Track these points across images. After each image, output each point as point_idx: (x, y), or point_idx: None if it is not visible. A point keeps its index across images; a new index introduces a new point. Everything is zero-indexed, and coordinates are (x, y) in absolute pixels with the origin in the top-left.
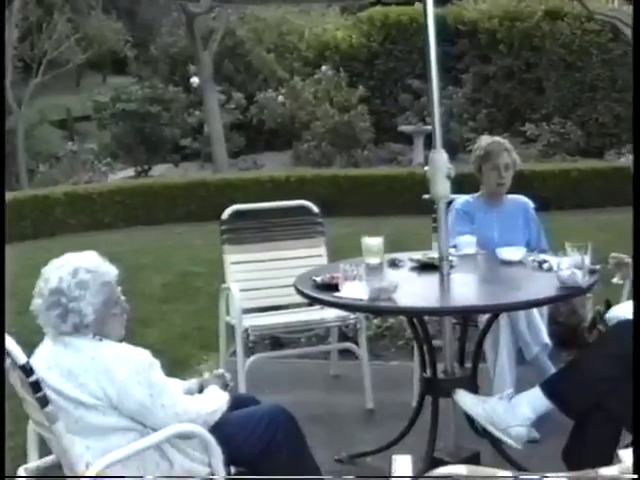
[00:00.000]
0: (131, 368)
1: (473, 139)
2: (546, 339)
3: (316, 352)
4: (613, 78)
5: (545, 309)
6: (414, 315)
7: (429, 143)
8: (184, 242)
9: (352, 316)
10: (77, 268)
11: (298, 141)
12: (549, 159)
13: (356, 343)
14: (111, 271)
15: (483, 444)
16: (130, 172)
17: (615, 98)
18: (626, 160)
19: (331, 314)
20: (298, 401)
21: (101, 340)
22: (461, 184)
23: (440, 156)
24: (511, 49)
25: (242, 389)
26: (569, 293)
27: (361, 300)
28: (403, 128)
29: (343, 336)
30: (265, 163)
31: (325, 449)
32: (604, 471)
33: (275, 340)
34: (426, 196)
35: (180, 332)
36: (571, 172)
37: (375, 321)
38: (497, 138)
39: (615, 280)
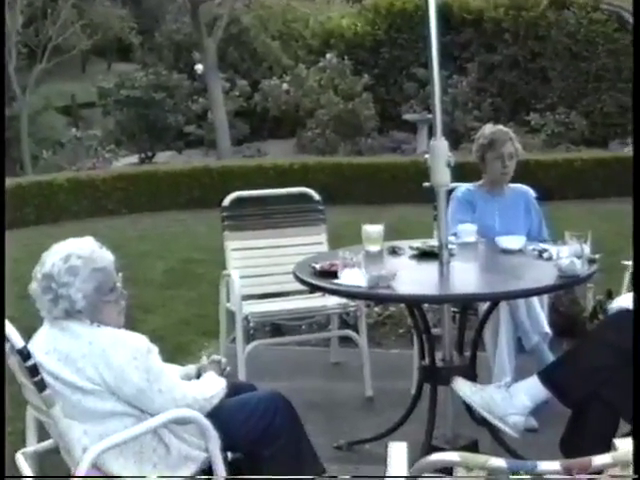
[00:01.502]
0: (128, 353)
1: (477, 128)
2: (546, 328)
3: (316, 339)
4: (619, 68)
5: (546, 298)
6: (412, 303)
7: (433, 132)
8: (187, 229)
9: (352, 304)
10: (69, 254)
11: (302, 129)
12: (553, 149)
13: (356, 331)
14: (105, 257)
15: (481, 432)
16: (134, 159)
17: (620, 88)
18: (630, 150)
19: (331, 301)
20: (298, 388)
21: (99, 326)
22: (464, 173)
23: (441, 144)
24: (516, 38)
25: (242, 375)
26: (568, 282)
27: (359, 287)
28: (407, 117)
29: (344, 324)
30: (269, 151)
31: (324, 436)
32: (597, 459)
33: (276, 327)
34: (426, 184)
35: (181, 318)
36: (575, 162)
37: (376, 309)
38: (501, 127)
39: None
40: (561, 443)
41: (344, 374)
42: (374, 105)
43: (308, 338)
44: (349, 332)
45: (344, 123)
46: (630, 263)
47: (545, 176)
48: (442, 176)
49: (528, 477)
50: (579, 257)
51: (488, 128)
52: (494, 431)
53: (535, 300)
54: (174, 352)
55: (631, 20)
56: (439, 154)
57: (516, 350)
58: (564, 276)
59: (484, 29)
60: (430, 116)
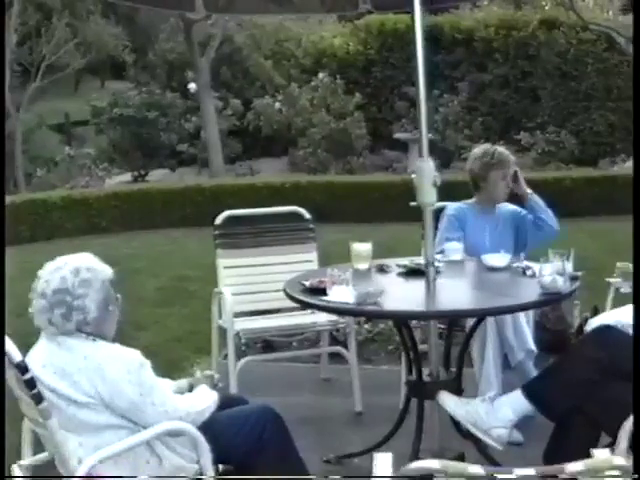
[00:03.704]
0: (122, 367)
1: (468, 147)
2: (531, 345)
3: (307, 356)
4: (608, 87)
5: (531, 315)
6: (399, 319)
7: None
8: (179, 246)
9: (342, 320)
10: (78, 267)
11: (294, 147)
12: (543, 167)
13: (346, 347)
14: (107, 270)
15: (468, 446)
16: (127, 177)
17: (610, 107)
18: (619, 169)
19: (322, 318)
20: (288, 403)
21: (94, 340)
22: (455, 192)
23: (427, 164)
24: (507, 58)
25: (234, 391)
26: (550, 299)
27: (347, 304)
28: (398, 135)
29: (334, 340)
30: (261, 169)
31: (314, 450)
32: (570, 466)
33: (267, 343)
34: (413, 203)
35: (174, 335)
36: (564, 180)
37: (366, 326)
38: (498, 147)
39: (623, 290)
40: (544, 456)
41: (334, 390)
42: (366, 124)
43: (299, 354)
44: (339, 348)
45: (336, 142)
46: (614, 280)
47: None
48: (428, 195)
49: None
50: (561, 274)
51: (486, 147)
52: (480, 444)
53: (521, 317)
54: (167, 369)
55: (620, 40)
56: (425, 174)
57: (502, 366)
58: (547, 293)
59: (475, 49)
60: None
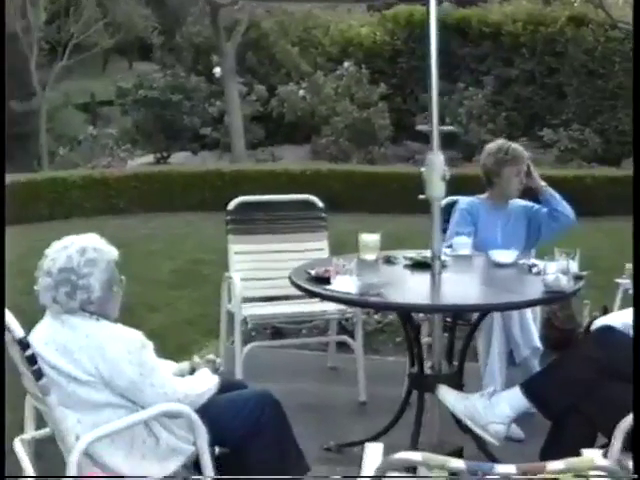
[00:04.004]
0: (123, 347)
1: (490, 141)
2: (537, 343)
3: (315, 344)
4: None
5: (539, 312)
6: (400, 311)
7: (446, 143)
8: (196, 230)
9: (350, 310)
10: (84, 247)
11: (317, 135)
12: (565, 165)
13: (354, 337)
14: (113, 251)
15: (467, 440)
16: (149, 159)
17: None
18: None
19: (330, 307)
20: (294, 390)
21: (98, 320)
22: (475, 186)
23: (437, 158)
24: (534, 53)
25: (239, 376)
26: (553, 297)
27: (349, 294)
28: (420, 127)
29: (343, 329)
30: (283, 156)
31: (315, 437)
32: (551, 465)
33: (276, 330)
34: (422, 196)
35: (185, 318)
36: (585, 179)
37: (375, 317)
38: (512, 143)
39: (631, 291)
40: (541, 454)
41: (340, 379)
42: (390, 114)
43: (306, 342)
44: (345, 338)
45: (358, 131)
46: (622, 281)
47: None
48: (437, 189)
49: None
50: (565, 273)
51: (501, 143)
52: (478, 439)
53: (528, 314)
54: (175, 351)
55: None
56: (435, 168)
57: (507, 362)
58: (550, 291)
59: (502, 43)
60: (443, 128)
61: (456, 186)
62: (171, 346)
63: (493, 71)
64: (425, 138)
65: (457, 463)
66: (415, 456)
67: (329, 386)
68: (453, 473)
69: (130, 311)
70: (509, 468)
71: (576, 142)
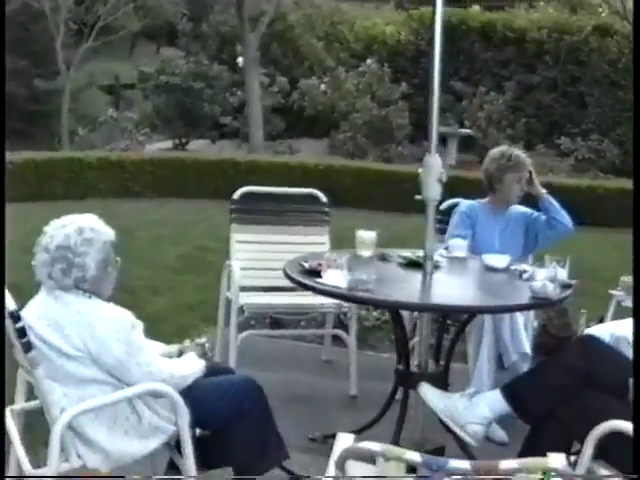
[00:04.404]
0: (112, 326)
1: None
2: (526, 349)
3: (312, 336)
4: None
5: (532, 317)
6: (387, 307)
7: (464, 146)
8: (207, 217)
9: (346, 304)
10: (82, 227)
11: (336, 131)
12: (581, 175)
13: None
14: (110, 232)
15: (450, 440)
16: (168, 144)
17: None
18: None
19: (327, 300)
20: (286, 380)
21: (90, 298)
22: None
23: (434, 160)
24: (557, 61)
25: (232, 362)
26: (538, 303)
27: (338, 288)
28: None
29: (340, 324)
30: (301, 149)
31: (302, 427)
32: (504, 463)
33: (275, 320)
34: (418, 197)
35: (186, 303)
36: (598, 189)
37: (374, 313)
38: (517, 150)
39: (624, 303)
40: (518, 457)
41: (333, 372)
42: (409, 114)
43: (301, 333)
44: (339, 332)
45: (376, 129)
46: (616, 293)
47: (565, 200)
48: (433, 190)
49: None
50: (553, 281)
51: (504, 149)
52: (460, 440)
53: (519, 320)
54: (174, 334)
55: None
56: (432, 169)
57: (496, 365)
58: (536, 297)
59: (525, 49)
60: (460, 130)
61: (468, 189)
62: (170, 329)
63: (515, 77)
64: (443, 139)
65: (413, 456)
66: (374, 446)
67: (322, 378)
68: (412, 467)
69: (134, 293)
70: (463, 464)
71: (594, 152)
